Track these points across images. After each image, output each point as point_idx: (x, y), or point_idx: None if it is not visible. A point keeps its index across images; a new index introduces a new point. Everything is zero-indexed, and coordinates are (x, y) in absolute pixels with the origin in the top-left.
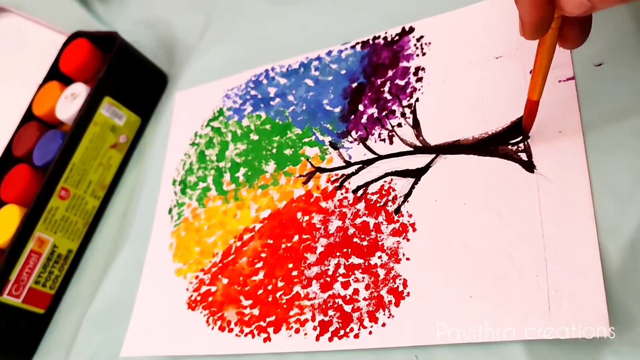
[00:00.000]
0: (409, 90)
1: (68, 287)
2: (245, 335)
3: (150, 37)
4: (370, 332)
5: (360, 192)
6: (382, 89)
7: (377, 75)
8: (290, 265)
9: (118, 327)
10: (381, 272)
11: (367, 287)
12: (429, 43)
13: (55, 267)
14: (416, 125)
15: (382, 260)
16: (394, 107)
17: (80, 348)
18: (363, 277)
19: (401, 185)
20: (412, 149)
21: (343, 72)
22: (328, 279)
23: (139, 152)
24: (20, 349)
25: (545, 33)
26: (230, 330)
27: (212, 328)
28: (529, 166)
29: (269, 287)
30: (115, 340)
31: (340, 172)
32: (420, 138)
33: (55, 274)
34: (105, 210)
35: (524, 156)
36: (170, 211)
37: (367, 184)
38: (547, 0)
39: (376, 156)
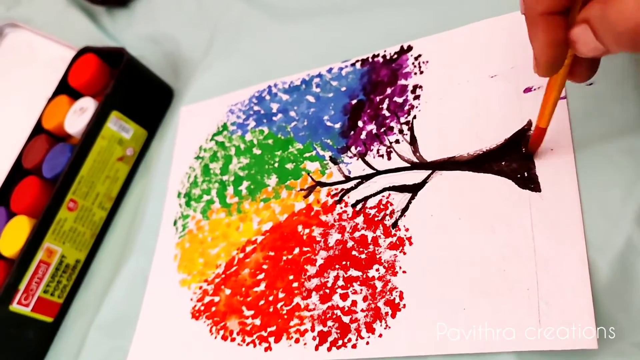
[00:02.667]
0: (406, 107)
1: (75, 296)
2: (247, 344)
3: (156, 52)
4: (367, 343)
5: (359, 206)
6: (380, 106)
7: (376, 92)
8: (291, 277)
9: (124, 336)
10: (378, 285)
11: (364, 299)
12: (427, 62)
13: (64, 277)
14: (413, 142)
15: (379, 273)
16: (392, 124)
17: (87, 357)
18: (361, 289)
19: (398, 200)
20: (409, 165)
21: (343, 89)
22: (327, 291)
23: (145, 165)
24: (28, 357)
25: (558, 71)
26: (233, 340)
27: (215, 337)
28: (523, 182)
29: (270, 298)
30: (121, 349)
31: (340, 187)
32: (417, 154)
33: (63, 283)
34: (112, 221)
35: (524, 173)
36: (175, 223)
37: (365, 199)
38: (562, 43)
39: (374, 171)
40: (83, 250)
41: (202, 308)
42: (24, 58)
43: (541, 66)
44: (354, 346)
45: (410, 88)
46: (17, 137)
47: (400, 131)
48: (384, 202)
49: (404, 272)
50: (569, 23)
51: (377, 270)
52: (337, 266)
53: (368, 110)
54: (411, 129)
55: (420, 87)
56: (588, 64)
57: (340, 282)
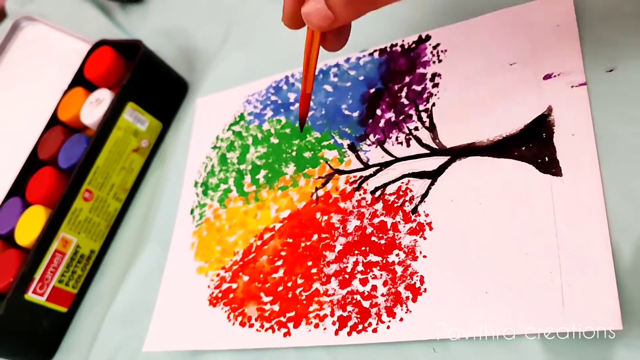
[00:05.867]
0: (425, 95)
1: (90, 287)
2: (266, 330)
3: (170, 45)
4: (388, 327)
5: (378, 193)
6: (399, 94)
7: (395, 81)
8: (310, 263)
9: (139, 325)
10: (399, 269)
11: (384, 284)
12: (445, 50)
13: (78, 267)
14: (433, 129)
15: (399, 258)
16: (411, 112)
17: (102, 346)
18: (381, 274)
19: (418, 186)
20: (428, 152)
21: (361, 78)
22: (347, 276)
23: (160, 157)
24: (42, 346)
25: (299, 27)
26: (251, 326)
27: (233, 324)
28: (544, 167)
29: (289, 284)
30: (136, 338)
31: (358, 174)
32: (437, 141)
33: (78, 273)
34: (126, 212)
35: (545, 158)
36: (192, 212)
37: (384, 185)
38: (296, 1)
39: (393, 158)
40: (98, 241)
41: (220, 295)
42: (40, 51)
43: (284, 17)
44: (374, 330)
45: (429, 76)
46: (32, 129)
47: (419, 118)
48: (403, 189)
49: (424, 256)
50: None
51: (397, 255)
52: (356, 252)
53: (386, 99)
54: (430, 116)
55: (439, 75)
56: (335, 33)
57: (360, 268)
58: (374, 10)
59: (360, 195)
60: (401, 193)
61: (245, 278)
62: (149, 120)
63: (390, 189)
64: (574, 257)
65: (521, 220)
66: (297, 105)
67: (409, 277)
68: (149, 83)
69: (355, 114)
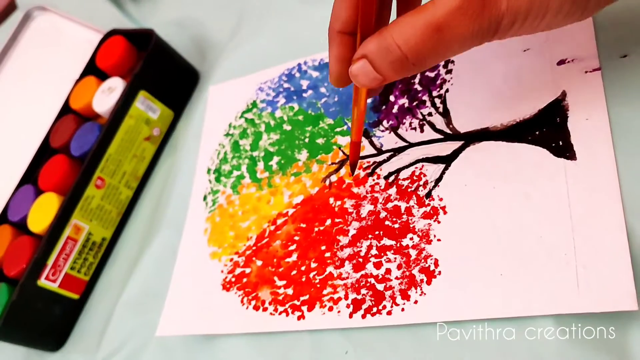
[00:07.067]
0: (438, 81)
1: (101, 274)
2: (280, 313)
3: (181, 36)
4: (402, 309)
5: (391, 178)
6: (412, 81)
7: None
8: (323, 247)
9: (151, 312)
10: (413, 253)
11: (399, 267)
12: None
13: (90, 254)
14: (446, 114)
15: (413, 242)
16: (424, 98)
17: (114, 332)
18: (395, 258)
19: (432, 170)
20: (442, 137)
21: None
22: (360, 260)
23: (171, 146)
24: (54, 332)
25: (346, 85)
26: (265, 310)
27: (247, 307)
28: (558, 151)
29: (303, 268)
30: (148, 324)
31: (372, 160)
32: (451, 126)
33: (89, 260)
34: (137, 201)
35: (559, 142)
36: (205, 198)
37: (398, 170)
38: (347, 60)
39: (407, 144)
40: (109, 229)
41: (233, 279)
42: (51, 40)
43: (331, 77)
44: (389, 313)
45: (442, 63)
46: (45, 118)
47: (433, 104)
48: (417, 174)
49: (438, 240)
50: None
51: (411, 239)
52: (370, 236)
53: (399, 85)
54: (444, 102)
55: (452, 61)
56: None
57: (374, 251)
58: (419, 72)
59: (373, 180)
60: (415, 178)
61: (259, 263)
62: (160, 108)
63: (404, 174)
64: (588, 239)
65: (535, 203)
66: (310, 92)
67: (423, 261)
68: (160, 72)
69: (369, 100)
